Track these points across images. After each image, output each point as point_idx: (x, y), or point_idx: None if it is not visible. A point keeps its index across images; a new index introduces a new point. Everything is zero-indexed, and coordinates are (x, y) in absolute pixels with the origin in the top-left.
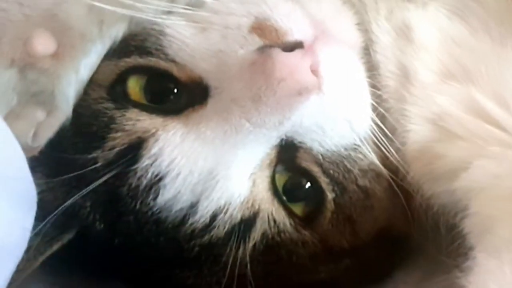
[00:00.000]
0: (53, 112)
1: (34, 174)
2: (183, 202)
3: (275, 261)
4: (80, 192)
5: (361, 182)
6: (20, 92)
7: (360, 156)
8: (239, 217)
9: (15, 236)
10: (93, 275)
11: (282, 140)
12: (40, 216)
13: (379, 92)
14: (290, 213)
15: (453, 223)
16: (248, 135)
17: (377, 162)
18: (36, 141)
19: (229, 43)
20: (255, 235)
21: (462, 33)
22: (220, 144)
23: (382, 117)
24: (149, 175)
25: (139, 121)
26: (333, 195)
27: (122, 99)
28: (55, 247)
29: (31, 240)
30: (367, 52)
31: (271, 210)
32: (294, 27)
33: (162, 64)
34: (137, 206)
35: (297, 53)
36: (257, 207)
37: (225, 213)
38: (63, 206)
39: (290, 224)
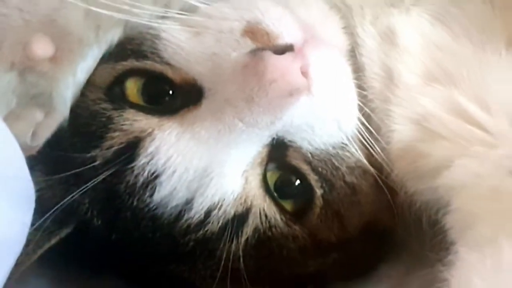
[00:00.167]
0: (51, 113)
1: (33, 172)
2: (178, 198)
3: (266, 255)
4: (79, 190)
5: (348, 179)
6: (19, 94)
7: (348, 154)
8: (232, 213)
9: (14, 232)
10: (90, 270)
11: (273, 139)
12: (40, 212)
13: (365, 93)
14: (281, 209)
15: (435, 219)
16: (241, 134)
17: (364, 160)
18: (35, 140)
19: (222, 46)
20: (248, 230)
21: (444, 38)
22: (214, 143)
23: (368, 117)
24: (146, 173)
25: (136, 121)
26: (322, 191)
27: (119, 100)
28: (53, 241)
29: (31, 235)
30: (353, 54)
31: (263, 206)
32: (285, 31)
33: (158, 67)
34: (134, 203)
35: (287, 55)
36: (249, 203)
37: (219, 209)
38: (62, 203)
39: (281, 219)
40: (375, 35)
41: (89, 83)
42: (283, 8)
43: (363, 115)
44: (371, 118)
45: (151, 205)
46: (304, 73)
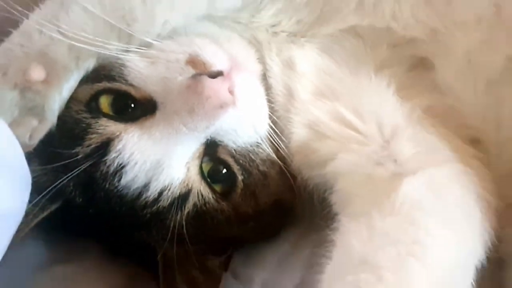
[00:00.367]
0: (43, 121)
1: (30, 163)
2: (138, 183)
3: (202, 223)
4: (66, 176)
5: (261, 168)
6: (20, 107)
7: (261, 150)
8: (177, 193)
9: (16, 207)
10: (75, 235)
11: (207, 139)
12: (36, 192)
13: (272, 105)
14: (212, 190)
15: (324, 197)
16: (185, 136)
17: (272, 154)
18: (32, 140)
19: (171, 72)
20: (189, 205)
21: (330, 66)
22: (165, 142)
23: (275, 123)
24: (115, 164)
25: (108, 126)
26: (242, 177)
27: (95, 111)
28: (46, 213)
29: (29, 209)
30: (264, 77)
31: (200, 188)
32: (217, 61)
33: (123, 87)
34: (106, 186)
35: (219, 79)
36: (190, 186)
37: (168, 190)
38: (53, 186)
39: (213, 197)
40: (279, 63)
41: (73, 98)
42: (215, 44)
43: (272, 121)
44: (277, 124)
45: (118, 188)
46: (231, 92)
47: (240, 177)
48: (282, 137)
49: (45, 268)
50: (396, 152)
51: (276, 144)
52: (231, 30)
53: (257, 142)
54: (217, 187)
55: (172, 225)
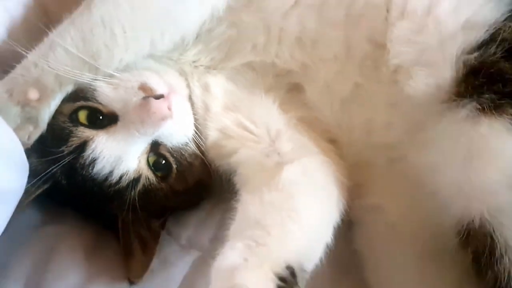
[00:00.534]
0: (37, 127)
1: (30, 157)
2: (105, 171)
3: (148, 197)
4: (55, 166)
5: (189, 159)
6: (21, 117)
7: (188, 147)
8: (132, 177)
9: (16, 187)
10: (61, 206)
11: (153, 141)
12: (33, 176)
13: (195, 116)
14: (156, 175)
15: (229, 178)
16: (137, 139)
17: (196, 150)
18: (29, 141)
19: (128, 95)
20: (140, 186)
21: (234, 89)
22: (124, 143)
23: (197, 128)
24: (89, 158)
25: (84, 132)
26: (176, 166)
27: (75, 121)
28: (39, 191)
29: (27, 188)
30: (190, 98)
31: (147, 174)
32: (159, 87)
33: (95, 104)
34: (84, 173)
35: (161, 100)
36: (140, 172)
37: (126, 175)
38: (45, 172)
39: (156, 180)
40: (199, 87)
41: (58, 112)
42: (157, 75)
43: (195, 128)
44: (198, 129)
45: (92, 174)
46: (169, 108)
47: (174, 166)
48: (202, 138)
49: (39, 227)
50: (279, 148)
51: (198, 143)
52: (166, 65)
53: (186, 142)
54: (159, 173)
55: (128, 199)
